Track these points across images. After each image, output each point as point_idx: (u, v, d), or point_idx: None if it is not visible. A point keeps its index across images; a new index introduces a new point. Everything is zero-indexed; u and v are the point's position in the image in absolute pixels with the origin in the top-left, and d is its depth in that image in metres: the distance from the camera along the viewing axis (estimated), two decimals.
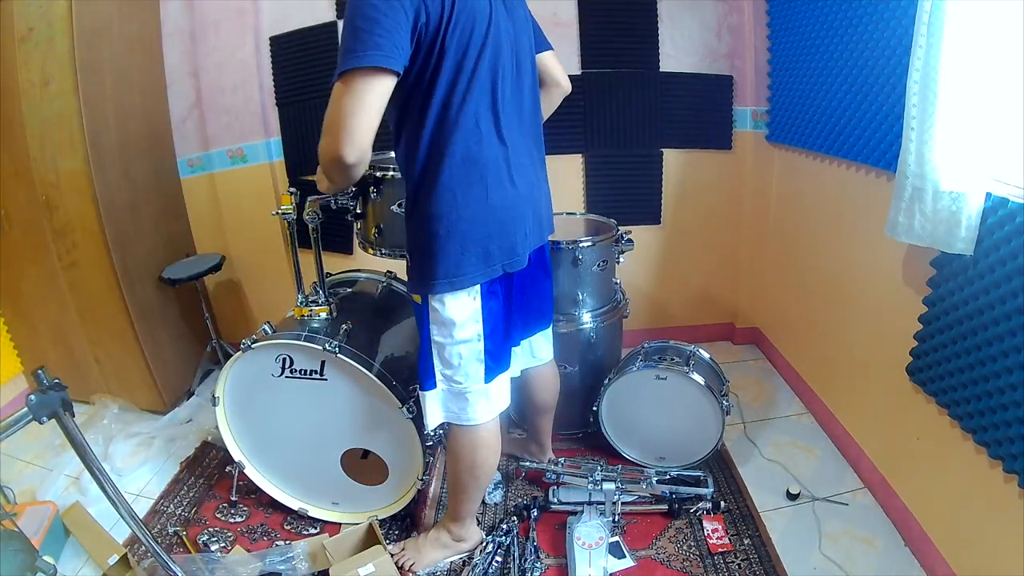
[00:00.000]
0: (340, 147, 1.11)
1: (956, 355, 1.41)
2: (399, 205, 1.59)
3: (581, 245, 1.90)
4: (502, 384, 1.50)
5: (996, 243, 1.27)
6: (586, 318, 2.01)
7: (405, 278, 2.08)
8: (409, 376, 1.71)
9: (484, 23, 1.22)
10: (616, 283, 2.10)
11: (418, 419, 1.63)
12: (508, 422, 2.16)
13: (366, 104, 1.10)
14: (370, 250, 1.70)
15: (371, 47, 1.08)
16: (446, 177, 1.27)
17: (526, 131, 1.40)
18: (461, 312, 1.36)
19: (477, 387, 1.44)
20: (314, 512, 1.84)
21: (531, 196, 1.40)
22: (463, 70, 1.21)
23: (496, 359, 1.45)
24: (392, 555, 1.63)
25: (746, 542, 1.70)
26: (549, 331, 1.75)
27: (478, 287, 1.35)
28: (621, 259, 2.06)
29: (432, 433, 1.72)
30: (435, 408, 1.48)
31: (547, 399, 1.86)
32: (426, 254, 1.32)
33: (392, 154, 1.94)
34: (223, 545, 1.77)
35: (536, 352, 1.74)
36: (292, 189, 1.69)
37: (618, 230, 2.04)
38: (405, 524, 1.82)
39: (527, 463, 1.93)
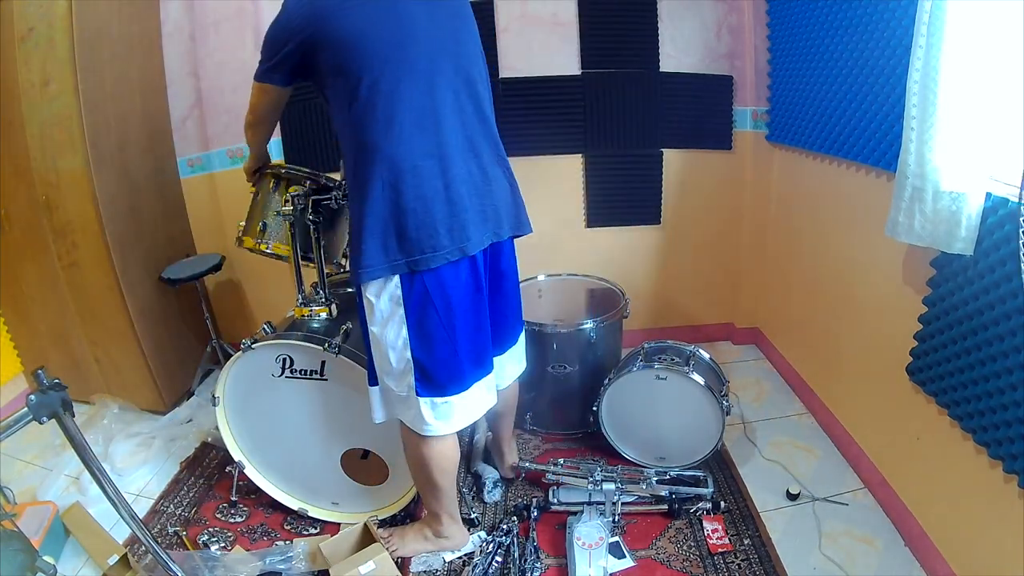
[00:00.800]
0: None
1: (956, 355, 1.41)
2: None
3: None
4: (445, 407, 1.40)
5: (996, 243, 1.27)
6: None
7: None
8: None
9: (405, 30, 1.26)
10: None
11: None
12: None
13: None
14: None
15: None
16: (366, 170, 1.29)
17: (467, 128, 1.35)
18: (386, 307, 1.34)
19: (411, 397, 1.38)
20: (314, 512, 1.84)
21: (471, 192, 1.34)
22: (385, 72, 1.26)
23: (428, 375, 1.36)
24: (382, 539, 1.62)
25: (746, 542, 1.70)
26: (515, 349, 1.64)
27: (396, 280, 1.31)
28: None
29: None
30: (378, 405, 1.46)
31: (501, 407, 1.71)
32: (353, 241, 1.35)
33: None
34: (223, 545, 1.77)
35: (501, 376, 1.61)
36: (293, 189, 1.69)
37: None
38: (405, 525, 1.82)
39: (525, 463, 1.93)
